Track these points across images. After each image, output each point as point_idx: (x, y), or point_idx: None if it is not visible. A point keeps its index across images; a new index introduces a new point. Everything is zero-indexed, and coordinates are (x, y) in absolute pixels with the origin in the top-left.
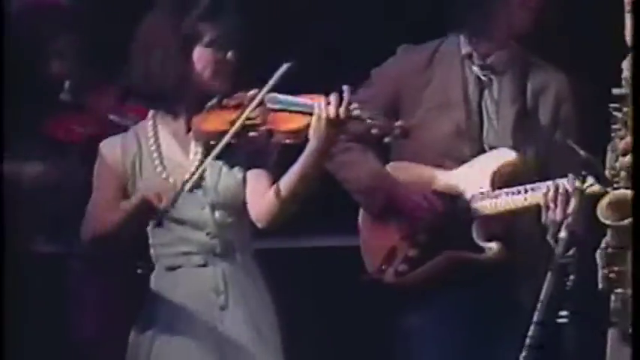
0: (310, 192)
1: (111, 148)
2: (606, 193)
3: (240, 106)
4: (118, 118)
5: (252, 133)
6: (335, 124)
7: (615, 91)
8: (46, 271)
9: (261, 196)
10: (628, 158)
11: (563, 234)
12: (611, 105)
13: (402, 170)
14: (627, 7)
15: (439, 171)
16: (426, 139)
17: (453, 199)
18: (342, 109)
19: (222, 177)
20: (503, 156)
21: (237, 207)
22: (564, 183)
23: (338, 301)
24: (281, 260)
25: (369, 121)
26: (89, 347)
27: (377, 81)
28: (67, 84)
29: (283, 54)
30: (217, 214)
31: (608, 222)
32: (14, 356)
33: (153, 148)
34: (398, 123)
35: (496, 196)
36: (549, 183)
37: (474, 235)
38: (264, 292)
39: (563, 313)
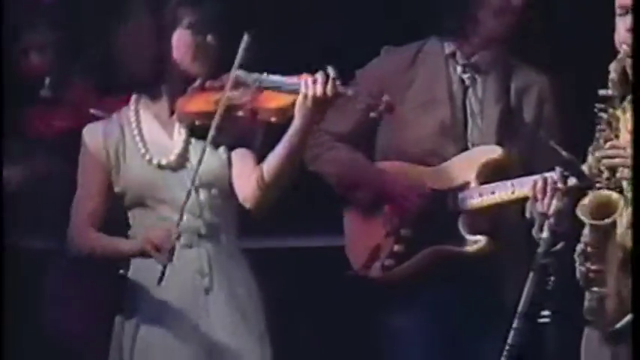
0: (294, 175)
1: (93, 135)
2: (588, 192)
3: (222, 88)
4: (99, 112)
5: (239, 113)
6: (321, 102)
7: (601, 92)
8: (28, 267)
9: (248, 177)
10: (618, 160)
11: (545, 234)
12: (597, 105)
13: (388, 168)
14: (618, 11)
15: (425, 167)
16: (411, 137)
17: (439, 194)
18: (329, 87)
19: (207, 157)
20: (490, 151)
21: (221, 188)
22: (552, 175)
23: (324, 300)
24: (268, 260)
25: (353, 96)
26: (72, 343)
27: (361, 81)
28: (47, 80)
29: (284, 53)
30: (202, 194)
31: (588, 221)
32: None
33: (135, 132)
34: (383, 98)
35: (483, 191)
36: (537, 176)
37: (461, 229)
38: (248, 274)
39: (545, 312)
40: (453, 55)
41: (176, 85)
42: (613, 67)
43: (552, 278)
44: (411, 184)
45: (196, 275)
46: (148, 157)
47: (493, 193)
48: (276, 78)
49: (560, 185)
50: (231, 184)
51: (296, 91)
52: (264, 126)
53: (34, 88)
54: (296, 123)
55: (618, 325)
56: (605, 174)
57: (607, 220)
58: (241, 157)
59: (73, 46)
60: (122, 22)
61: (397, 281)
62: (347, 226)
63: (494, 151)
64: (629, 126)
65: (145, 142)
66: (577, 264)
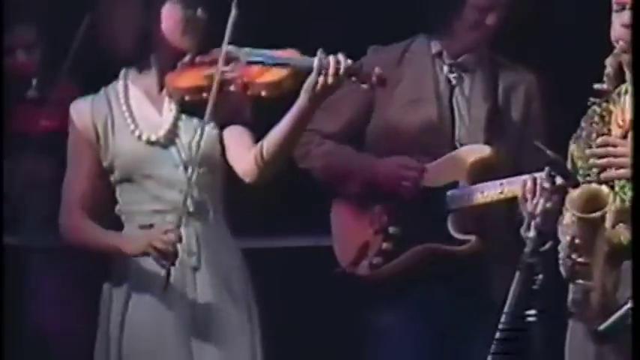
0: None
1: (81, 111)
2: (577, 186)
3: (213, 63)
4: None
5: (230, 88)
6: (333, 84)
7: (596, 86)
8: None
9: (246, 152)
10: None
11: (531, 233)
12: (591, 99)
13: None
14: (615, 7)
15: None
16: (399, 136)
17: (429, 193)
18: (343, 67)
19: (198, 134)
20: (478, 150)
21: (210, 164)
22: (541, 175)
23: (312, 299)
24: (256, 260)
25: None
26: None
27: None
28: (34, 81)
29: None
30: (191, 171)
31: (577, 214)
32: None
33: (124, 108)
34: (375, 71)
35: (472, 190)
36: (526, 176)
37: (450, 228)
38: (235, 252)
39: (532, 311)
40: (440, 54)
41: (165, 60)
42: (609, 62)
43: (539, 277)
44: (405, 161)
45: (184, 254)
46: (137, 133)
47: (482, 192)
48: (266, 52)
49: (547, 185)
50: (219, 161)
51: (287, 66)
52: (252, 100)
53: (21, 87)
54: (303, 102)
55: (602, 327)
56: (595, 169)
57: (596, 214)
58: (238, 134)
59: (61, 46)
60: None
61: (385, 279)
62: (334, 223)
63: (483, 151)
64: (620, 120)
65: (134, 117)
66: (561, 256)
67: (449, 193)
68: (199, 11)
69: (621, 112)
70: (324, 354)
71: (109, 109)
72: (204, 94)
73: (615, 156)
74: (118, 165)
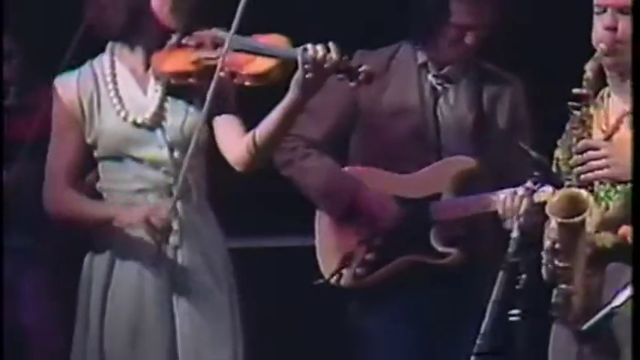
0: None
1: (66, 85)
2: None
3: (200, 46)
4: None
5: (221, 74)
6: (321, 75)
7: (575, 90)
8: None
9: (236, 140)
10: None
11: (515, 234)
12: (570, 104)
13: (359, 175)
14: (596, 9)
15: (397, 175)
16: (383, 143)
17: (412, 204)
18: (335, 58)
19: (188, 117)
20: (463, 162)
21: (195, 146)
22: (521, 191)
23: (298, 302)
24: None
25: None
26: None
27: (335, 85)
28: (11, 89)
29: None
30: (176, 153)
31: (557, 219)
32: None
33: (110, 87)
34: (362, 67)
35: (454, 203)
36: (507, 191)
37: (432, 240)
38: (217, 232)
39: (515, 311)
40: (425, 64)
41: (152, 39)
42: (589, 66)
43: (523, 277)
44: (385, 203)
45: None
46: (122, 114)
47: (465, 206)
48: (251, 40)
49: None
50: (203, 143)
51: (273, 57)
52: (236, 87)
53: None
54: (294, 94)
55: (586, 326)
56: (576, 170)
57: (577, 219)
58: (229, 122)
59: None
60: None
61: (369, 289)
62: (319, 231)
63: (468, 162)
64: (603, 124)
65: (120, 97)
66: (543, 260)
67: (432, 205)
68: None
69: (604, 115)
70: (311, 354)
71: (95, 85)
72: (190, 79)
73: (596, 159)
74: (102, 143)
